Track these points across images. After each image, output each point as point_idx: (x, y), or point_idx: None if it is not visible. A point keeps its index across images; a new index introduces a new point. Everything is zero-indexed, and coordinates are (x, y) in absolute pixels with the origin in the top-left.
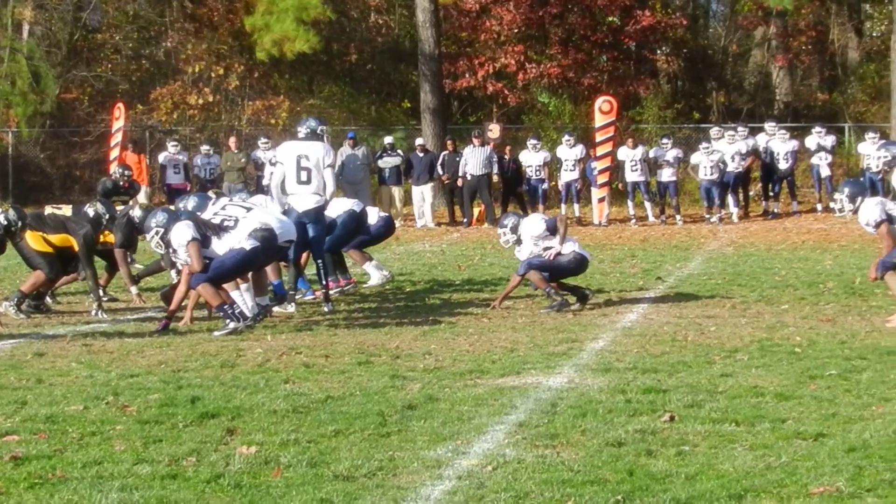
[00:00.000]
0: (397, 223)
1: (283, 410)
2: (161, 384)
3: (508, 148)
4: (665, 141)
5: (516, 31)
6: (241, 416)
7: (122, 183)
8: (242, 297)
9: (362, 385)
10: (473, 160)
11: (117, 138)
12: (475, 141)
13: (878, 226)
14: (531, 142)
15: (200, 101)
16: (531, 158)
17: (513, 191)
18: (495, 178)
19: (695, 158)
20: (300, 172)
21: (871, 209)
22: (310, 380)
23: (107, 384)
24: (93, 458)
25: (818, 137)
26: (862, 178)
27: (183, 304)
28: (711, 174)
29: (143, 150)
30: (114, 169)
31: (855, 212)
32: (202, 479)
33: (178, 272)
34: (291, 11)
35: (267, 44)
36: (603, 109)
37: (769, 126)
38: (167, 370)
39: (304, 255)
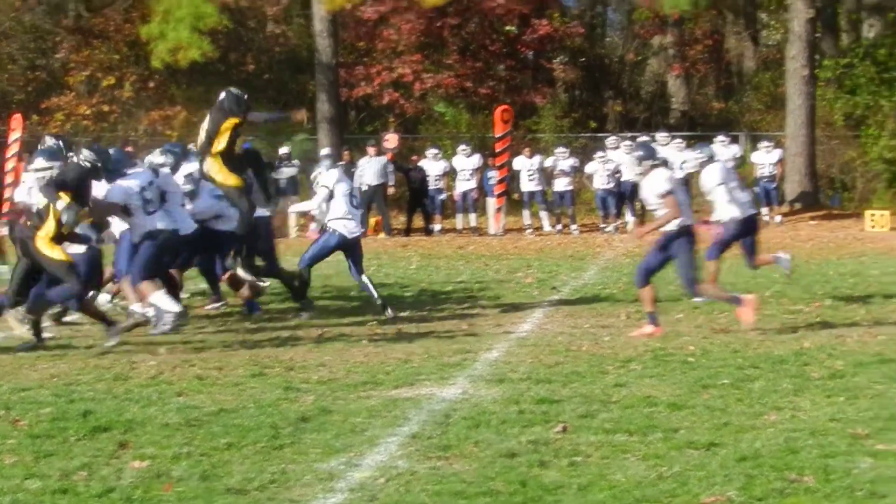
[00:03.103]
0: (293, 234)
1: (175, 423)
2: (53, 398)
3: (415, 157)
4: (561, 150)
5: (414, 40)
6: (133, 429)
7: None
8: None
9: (255, 397)
10: (369, 170)
11: (14, 149)
12: (370, 151)
13: (664, 196)
14: (431, 151)
15: (89, 112)
16: (431, 168)
17: (418, 200)
18: (391, 190)
19: (590, 168)
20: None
21: (662, 181)
22: (203, 392)
23: None
24: None
25: (721, 147)
26: (756, 188)
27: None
28: (607, 183)
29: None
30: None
31: (643, 175)
32: (93, 493)
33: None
34: (187, 20)
35: (162, 52)
36: (503, 119)
37: (661, 136)
38: (59, 383)
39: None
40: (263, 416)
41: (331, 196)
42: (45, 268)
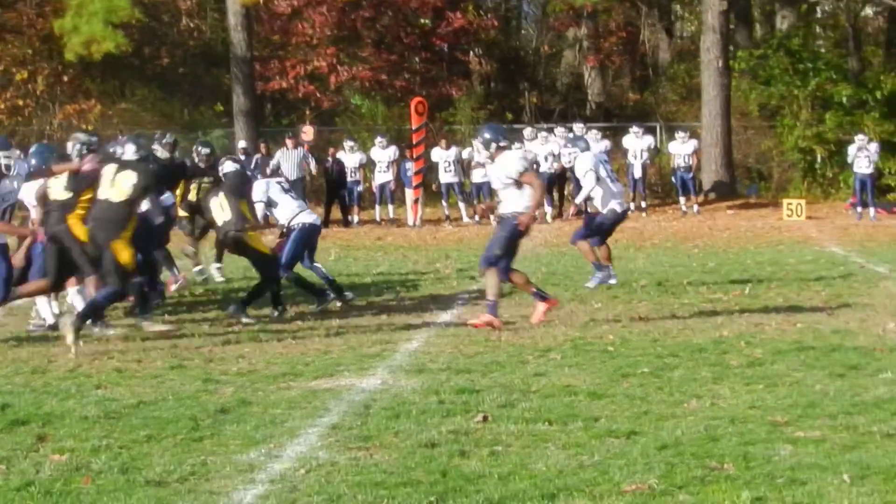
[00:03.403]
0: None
1: (94, 416)
2: None
3: (332, 150)
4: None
5: (329, 34)
6: (51, 422)
7: None
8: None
9: (175, 389)
10: (287, 163)
11: None
12: (288, 143)
13: (521, 175)
14: (348, 143)
15: (2, 106)
16: (348, 160)
17: (336, 192)
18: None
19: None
20: None
21: (516, 161)
22: (122, 385)
23: None
24: None
25: (635, 138)
26: (673, 178)
27: None
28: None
29: None
30: None
31: (492, 159)
32: (12, 487)
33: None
34: (100, 14)
35: (76, 45)
36: (418, 111)
37: (577, 126)
38: None
39: None
40: (183, 409)
41: (270, 204)
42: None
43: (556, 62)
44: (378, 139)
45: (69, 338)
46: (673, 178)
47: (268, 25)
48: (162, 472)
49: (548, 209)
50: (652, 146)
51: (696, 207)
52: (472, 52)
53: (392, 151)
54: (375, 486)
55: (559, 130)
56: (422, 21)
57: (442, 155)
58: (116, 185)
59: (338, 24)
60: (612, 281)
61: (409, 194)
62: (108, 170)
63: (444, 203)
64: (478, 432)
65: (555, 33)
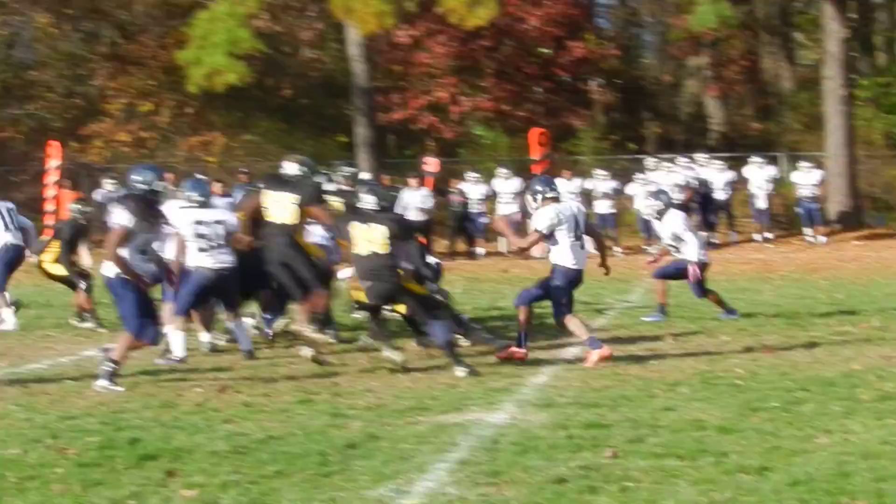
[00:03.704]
0: None
1: (223, 451)
2: (101, 426)
3: (455, 181)
4: (601, 173)
5: (449, 64)
6: (181, 457)
7: (83, 222)
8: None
9: (303, 424)
10: (412, 204)
11: (53, 176)
12: (412, 182)
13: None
14: (471, 175)
15: (128, 138)
16: (471, 191)
17: (461, 224)
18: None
19: (631, 189)
20: None
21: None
22: (250, 419)
23: (45, 426)
24: (31, 503)
25: (757, 168)
26: (797, 208)
27: None
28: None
29: (80, 188)
30: (72, 207)
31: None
32: None
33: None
34: (222, 45)
35: (198, 77)
36: (540, 142)
37: (701, 157)
38: (107, 411)
39: None
40: (311, 444)
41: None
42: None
43: (678, 91)
44: (501, 170)
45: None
46: (798, 209)
47: (388, 56)
48: None
49: None
50: (776, 176)
51: (822, 238)
52: (593, 82)
53: (516, 183)
54: None
55: (682, 160)
56: (542, 50)
57: (565, 186)
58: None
59: (458, 55)
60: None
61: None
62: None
63: None
64: (607, 468)
65: (676, 62)
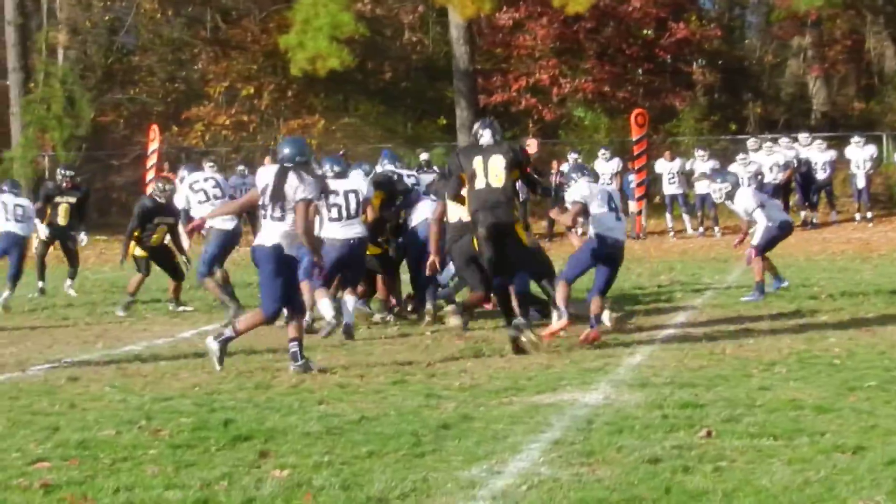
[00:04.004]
0: None
1: (316, 432)
2: (194, 407)
3: (555, 162)
4: (701, 153)
5: (551, 46)
6: (274, 438)
7: (161, 199)
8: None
9: (397, 405)
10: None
11: (153, 160)
12: None
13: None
14: (572, 156)
15: (228, 122)
16: None
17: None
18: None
19: (732, 170)
20: None
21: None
22: (344, 400)
23: (139, 408)
24: (123, 484)
25: (857, 148)
26: None
27: None
28: (749, 185)
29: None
30: (153, 186)
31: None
32: (234, 503)
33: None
34: (325, 29)
35: (301, 61)
36: (638, 122)
37: (803, 137)
38: (201, 393)
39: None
40: (404, 424)
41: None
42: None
43: (780, 72)
44: (601, 151)
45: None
46: None
47: (490, 38)
48: (383, 488)
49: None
50: (875, 156)
51: None
52: (695, 63)
53: (616, 163)
54: (598, 503)
55: (783, 140)
56: (644, 32)
57: (666, 166)
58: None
59: (560, 36)
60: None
61: (633, 206)
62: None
63: (668, 215)
64: (701, 447)
65: (779, 42)
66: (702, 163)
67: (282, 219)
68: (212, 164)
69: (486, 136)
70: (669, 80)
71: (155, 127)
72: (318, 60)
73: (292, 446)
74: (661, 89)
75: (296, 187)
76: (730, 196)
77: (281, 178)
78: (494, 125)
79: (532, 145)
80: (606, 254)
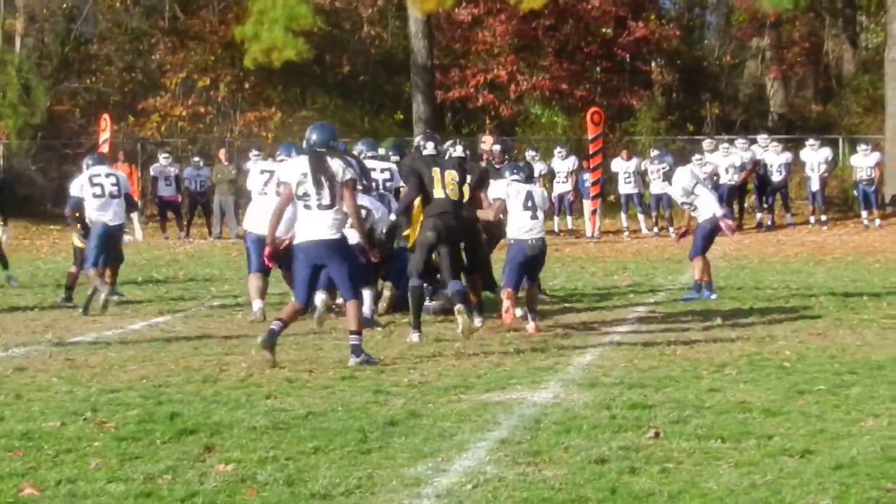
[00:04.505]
0: None
1: (262, 427)
2: (141, 399)
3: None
4: (657, 153)
5: (509, 42)
6: (220, 432)
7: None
8: None
9: (345, 400)
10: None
11: (104, 150)
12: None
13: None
14: (529, 153)
15: (185, 113)
16: None
17: None
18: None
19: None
20: None
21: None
22: (292, 395)
23: (86, 400)
24: (66, 476)
25: (811, 150)
26: (854, 191)
27: None
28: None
29: (135, 162)
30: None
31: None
32: (176, 497)
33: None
34: (281, 21)
35: (256, 53)
36: (594, 121)
37: (761, 138)
38: (148, 385)
39: None
40: (352, 420)
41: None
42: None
43: (739, 73)
44: (557, 149)
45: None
46: (855, 192)
47: (449, 34)
48: (328, 484)
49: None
50: (830, 158)
51: (878, 221)
52: (653, 62)
53: (571, 162)
54: (543, 503)
55: (740, 142)
56: (603, 30)
57: (622, 166)
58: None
59: (518, 33)
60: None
61: (588, 205)
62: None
63: (623, 214)
64: (649, 448)
65: (737, 43)
66: (656, 164)
67: (331, 205)
68: (167, 155)
69: (428, 149)
70: (627, 79)
71: (106, 116)
72: (273, 52)
73: (238, 441)
74: (619, 88)
75: (342, 168)
76: (667, 177)
77: (319, 163)
78: (436, 137)
79: (488, 142)
80: (530, 255)
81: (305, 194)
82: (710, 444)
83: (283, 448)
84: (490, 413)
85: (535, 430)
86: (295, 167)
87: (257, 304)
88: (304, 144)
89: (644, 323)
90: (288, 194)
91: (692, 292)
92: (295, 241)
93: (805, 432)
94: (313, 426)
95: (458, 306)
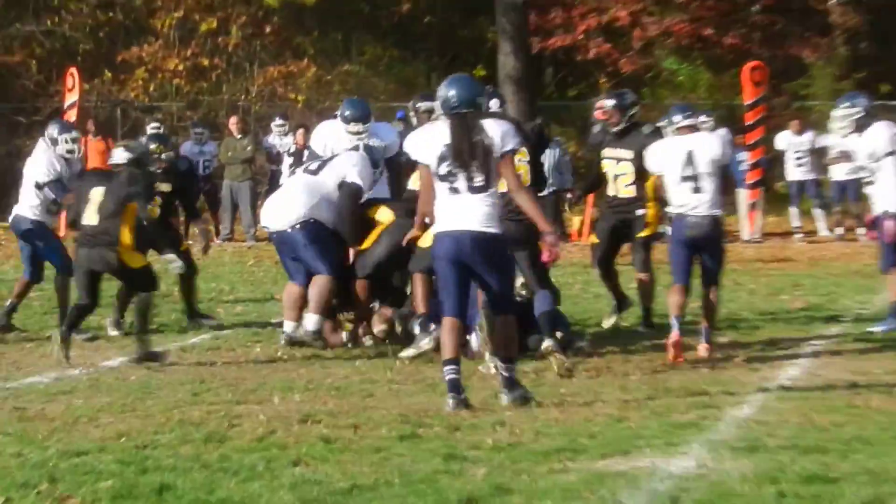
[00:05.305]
0: None
1: None
2: (117, 466)
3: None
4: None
5: None
6: None
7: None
8: None
9: (404, 469)
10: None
11: (71, 117)
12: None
13: None
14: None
15: (182, 68)
16: None
17: None
18: None
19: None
20: None
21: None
22: (330, 460)
23: (41, 466)
24: None
25: None
26: None
27: None
28: None
29: (113, 135)
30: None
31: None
32: None
33: None
34: None
35: None
36: (753, 80)
37: None
38: (128, 446)
39: None
40: (414, 497)
41: None
42: None
43: None
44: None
45: None
46: None
47: None
48: None
49: None
50: None
51: None
52: (832, 1)
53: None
54: None
55: None
56: None
57: (792, 142)
58: None
59: None
60: None
61: (743, 196)
62: None
63: (793, 209)
64: None
65: None
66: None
67: (485, 186)
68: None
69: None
70: (797, 23)
71: (73, 71)
72: None
73: None
74: (786, 34)
75: (501, 134)
76: (860, 127)
77: (463, 129)
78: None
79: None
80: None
81: (450, 173)
82: None
83: None
84: (608, 488)
85: None
86: (430, 139)
87: (290, 326)
88: (441, 105)
89: (824, 362)
90: (428, 179)
91: (891, 320)
92: (434, 233)
93: None
94: None
95: (547, 343)
